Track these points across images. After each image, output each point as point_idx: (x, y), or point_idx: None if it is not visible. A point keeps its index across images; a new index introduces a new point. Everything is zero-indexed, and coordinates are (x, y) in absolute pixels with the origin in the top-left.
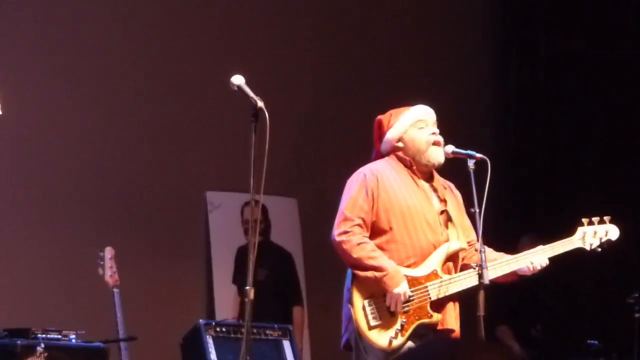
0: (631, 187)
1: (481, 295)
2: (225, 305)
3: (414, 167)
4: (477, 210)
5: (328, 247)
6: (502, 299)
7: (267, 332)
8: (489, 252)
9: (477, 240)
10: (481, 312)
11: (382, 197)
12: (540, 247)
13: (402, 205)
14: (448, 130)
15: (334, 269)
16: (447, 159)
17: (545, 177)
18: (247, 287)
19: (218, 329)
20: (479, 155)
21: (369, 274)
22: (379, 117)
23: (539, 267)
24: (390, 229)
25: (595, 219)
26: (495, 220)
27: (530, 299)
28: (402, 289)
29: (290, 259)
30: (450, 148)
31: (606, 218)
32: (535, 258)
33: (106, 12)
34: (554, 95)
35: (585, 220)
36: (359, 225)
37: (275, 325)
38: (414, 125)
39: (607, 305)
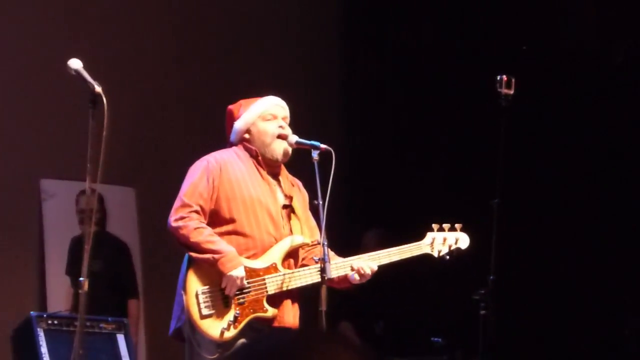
0: (481, 182)
1: (323, 290)
2: (58, 297)
3: (260, 158)
4: (321, 202)
5: (166, 239)
6: (344, 294)
7: (101, 325)
8: (330, 255)
9: (320, 234)
10: (323, 307)
11: (224, 186)
12: (387, 250)
13: (244, 195)
14: (295, 121)
15: (172, 261)
16: (294, 152)
17: (392, 171)
18: (81, 279)
19: (50, 322)
20: (323, 146)
21: (207, 256)
22: (230, 107)
23: (362, 273)
24: (231, 219)
25: (446, 226)
26: (339, 214)
27: (373, 295)
28: (238, 272)
29: (127, 250)
30: (294, 138)
31: (457, 225)
32: (357, 263)
33: None
34: (402, 89)
35: (435, 226)
36: (196, 211)
37: (110, 319)
38: (262, 116)
39: (452, 301)
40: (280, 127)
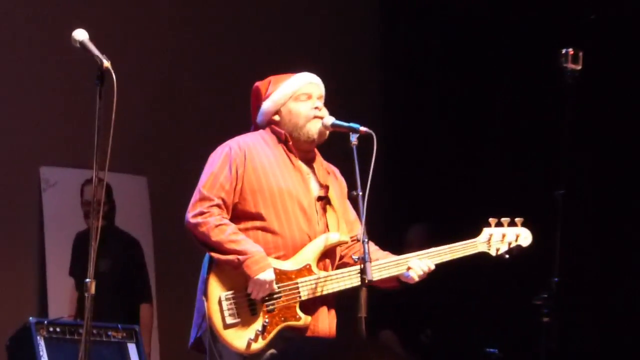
0: (544, 170)
1: (363, 293)
2: (61, 301)
3: (290, 143)
4: (360, 193)
5: (182, 235)
6: (387, 299)
7: (110, 333)
8: (374, 250)
9: (360, 230)
10: (363, 313)
11: (249, 175)
12: (437, 248)
13: (272, 186)
14: (330, 101)
15: (190, 260)
16: (329, 136)
17: (441, 158)
18: (87, 280)
19: (51, 329)
20: (363, 128)
21: (230, 257)
22: (257, 84)
23: (420, 273)
24: (258, 214)
25: (505, 220)
26: (381, 206)
27: (419, 300)
28: (266, 276)
29: (138, 248)
30: (330, 120)
31: (518, 220)
32: (414, 263)
33: None
34: (453, 64)
35: (492, 221)
36: (217, 206)
37: (119, 326)
38: (295, 96)
39: (509, 307)
40: (316, 108)
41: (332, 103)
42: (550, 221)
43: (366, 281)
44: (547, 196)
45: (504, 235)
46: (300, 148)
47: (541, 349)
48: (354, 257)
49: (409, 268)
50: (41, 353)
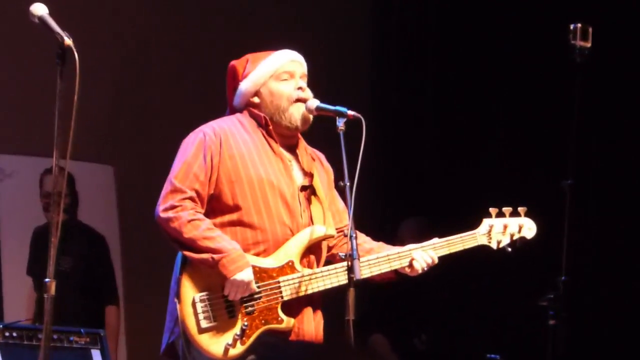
0: (550, 158)
1: (351, 294)
2: (17, 303)
3: (270, 127)
4: (348, 184)
5: (152, 230)
6: (377, 300)
7: (72, 338)
8: (366, 240)
9: (348, 224)
10: (350, 315)
11: (225, 164)
12: (434, 240)
13: (251, 176)
14: (314, 81)
15: (160, 258)
16: (315, 120)
17: (439, 146)
18: (47, 280)
19: (7, 334)
20: (351, 112)
21: (205, 256)
22: (233, 63)
23: (425, 266)
24: (236, 206)
25: (507, 210)
26: (371, 198)
27: (414, 301)
28: (245, 275)
29: (103, 244)
30: (315, 103)
31: (521, 209)
32: (418, 254)
33: None
34: (450, 43)
35: (493, 211)
36: (190, 198)
37: (83, 330)
38: (276, 75)
39: (513, 309)
40: (300, 88)
41: (319, 85)
42: (557, 214)
43: (353, 280)
44: (553, 186)
45: (505, 227)
46: (281, 133)
47: (547, 354)
48: (340, 254)
49: (412, 259)
50: None
